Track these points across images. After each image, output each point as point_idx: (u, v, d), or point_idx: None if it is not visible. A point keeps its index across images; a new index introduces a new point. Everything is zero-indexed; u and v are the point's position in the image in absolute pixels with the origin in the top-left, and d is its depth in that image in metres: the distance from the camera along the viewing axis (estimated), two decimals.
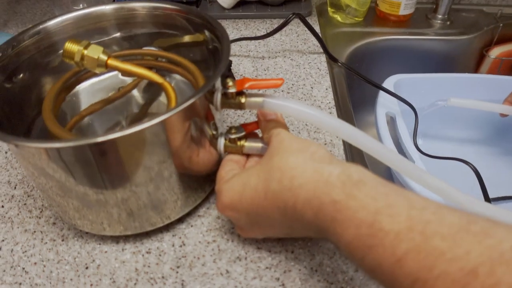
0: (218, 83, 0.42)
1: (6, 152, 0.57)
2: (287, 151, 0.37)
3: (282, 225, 0.38)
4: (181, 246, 0.44)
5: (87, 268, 0.43)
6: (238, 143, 0.43)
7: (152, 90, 0.54)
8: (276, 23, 0.85)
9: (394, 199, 0.30)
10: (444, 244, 0.26)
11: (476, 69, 0.95)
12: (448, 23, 0.90)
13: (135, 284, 0.41)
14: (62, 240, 0.46)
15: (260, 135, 0.45)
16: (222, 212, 0.40)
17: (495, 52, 0.90)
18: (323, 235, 0.34)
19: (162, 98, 0.53)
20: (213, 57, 0.49)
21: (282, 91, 0.66)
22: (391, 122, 0.68)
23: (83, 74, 0.51)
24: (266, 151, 0.39)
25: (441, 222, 0.27)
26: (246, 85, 0.41)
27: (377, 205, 0.30)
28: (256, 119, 0.45)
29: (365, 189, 0.31)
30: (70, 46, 0.43)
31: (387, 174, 0.74)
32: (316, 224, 0.33)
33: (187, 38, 0.52)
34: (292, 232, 0.40)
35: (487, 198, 0.62)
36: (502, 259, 0.24)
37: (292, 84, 0.67)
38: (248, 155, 0.44)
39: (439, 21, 0.90)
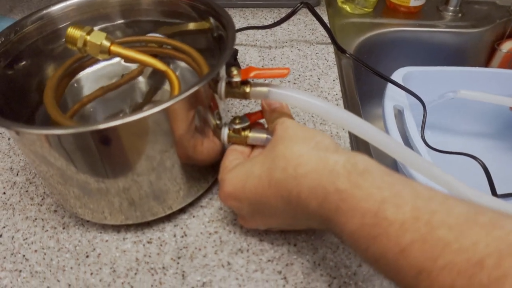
0: (222, 72, 0.41)
1: (9, 139, 0.57)
2: (292, 140, 0.36)
3: (286, 214, 0.37)
4: (182, 236, 0.44)
5: (87, 256, 0.43)
6: (242, 133, 0.42)
7: (157, 78, 0.53)
8: (284, 12, 0.84)
9: (400, 189, 0.29)
10: (450, 234, 0.25)
11: (487, 63, 0.94)
12: (460, 15, 0.88)
13: (135, 273, 0.41)
14: (63, 228, 0.45)
15: (265, 125, 0.44)
16: (224, 201, 0.40)
17: (507, 46, 0.88)
18: (326, 225, 0.33)
19: (167, 86, 0.53)
20: (218, 45, 0.48)
21: (289, 81, 0.65)
22: (399, 115, 0.67)
23: (85, 60, 0.51)
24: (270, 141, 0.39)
25: (447, 212, 0.27)
26: (251, 74, 0.40)
27: (383, 194, 0.29)
28: (260, 109, 0.44)
29: (370, 178, 0.31)
30: (72, 31, 0.42)
31: (393, 167, 0.73)
32: (320, 213, 0.32)
33: (192, 26, 0.51)
34: (295, 223, 0.39)
35: (494, 194, 0.61)
36: (510, 251, 0.23)
37: (299, 75, 0.66)
38: (253, 146, 0.44)
39: (450, 13, 0.88)
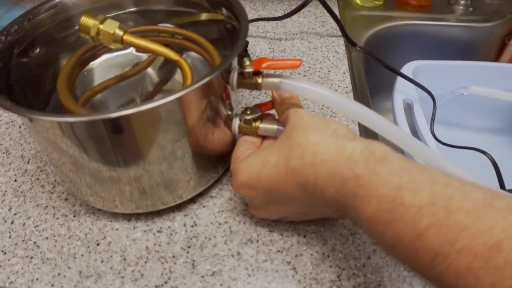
0: (235, 62, 0.41)
1: (20, 127, 0.57)
2: (308, 128, 0.36)
3: (301, 203, 0.37)
4: (192, 226, 0.44)
5: (98, 244, 0.43)
6: (253, 124, 0.42)
7: (167, 68, 0.54)
8: (294, 4, 0.83)
9: (417, 175, 0.30)
10: (467, 219, 0.26)
11: (497, 58, 0.93)
12: (471, 9, 0.88)
13: (145, 262, 0.41)
14: (74, 216, 0.46)
15: (276, 116, 0.44)
16: (237, 191, 0.40)
17: None
18: (342, 212, 0.34)
19: (177, 76, 0.53)
20: (230, 36, 0.48)
21: (299, 73, 0.65)
22: (408, 109, 0.67)
23: (98, 49, 0.51)
24: (283, 131, 0.39)
25: (465, 197, 0.27)
26: (264, 65, 0.40)
27: (400, 180, 0.29)
28: (271, 99, 0.44)
29: (388, 165, 0.31)
30: (86, 20, 0.42)
31: None
32: (337, 200, 0.33)
33: (204, 16, 0.51)
34: (310, 211, 0.39)
35: (503, 188, 0.61)
36: None
37: (309, 67, 0.66)
38: (263, 137, 0.44)
39: (461, 7, 0.88)
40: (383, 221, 0.29)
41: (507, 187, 0.61)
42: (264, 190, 0.38)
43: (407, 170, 0.30)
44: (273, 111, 0.45)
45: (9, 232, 0.45)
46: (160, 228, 0.44)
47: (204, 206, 0.46)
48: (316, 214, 0.41)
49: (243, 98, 0.60)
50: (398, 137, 0.40)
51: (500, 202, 0.26)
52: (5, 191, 0.49)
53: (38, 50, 0.46)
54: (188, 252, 0.42)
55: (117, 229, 0.44)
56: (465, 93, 0.69)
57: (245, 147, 0.42)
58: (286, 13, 0.74)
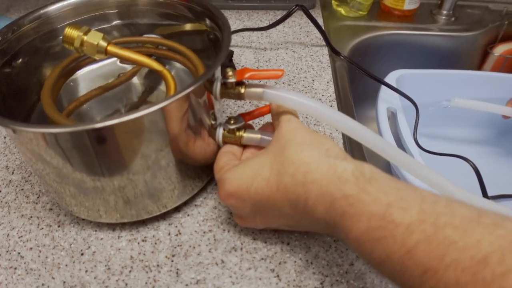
0: (218, 72, 0.42)
1: (4, 137, 0.57)
2: (301, 144, 0.37)
3: (290, 218, 0.38)
4: (177, 235, 0.44)
5: (82, 254, 0.43)
6: (237, 133, 0.43)
7: (152, 79, 0.54)
8: (279, 14, 0.84)
9: (406, 194, 0.30)
10: (455, 234, 0.26)
11: (479, 67, 0.95)
12: (453, 19, 0.89)
13: (130, 271, 0.41)
14: (58, 226, 0.46)
15: (258, 127, 0.45)
16: (224, 200, 0.40)
17: (500, 49, 0.90)
18: (330, 231, 0.34)
19: (163, 86, 0.53)
20: (214, 47, 0.48)
21: (283, 83, 0.66)
22: (392, 117, 0.68)
23: (82, 60, 0.51)
24: (269, 140, 0.39)
25: (452, 214, 0.28)
26: (246, 75, 0.40)
27: (389, 198, 0.30)
28: (254, 109, 0.45)
29: (377, 184, 0.32)
30: (70, 31, 0.42)
31: (386, 168, 0.74)
32: (326, 219, 0.33)
33: (188, 27, 0.52)
34: (298, 226, 0.39)
35: (485, 196, 0.61)
36: None
37: (294, 76, 0.67)
38: (244, 146, 0.44)
39: (443, 17, 0.90)
40: (372, 239, 0.30)
41: (489, 194, 0.62)
42: (253, 202, 0.38)
43: (396, 189, 0.31)
44: (253, 121, 0.45)
45: None
46: (145, 237, 0.44)
47: (188, 215, 0.46)
48: (303, 228, 0.41)
49: (228, 107, 0.61)
50: (380, 146, 0.40)
51: (486, 219, 0.27)
52: None
53: (22, 60, 0.46)
54: (172, 261, 0.42)
55: (101, 238, 0.44)
56: (448, 106, 0.70)
57: (228, 158, 0.42)
58: (271, 23, 0.75)
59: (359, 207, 0.31)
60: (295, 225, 0.39)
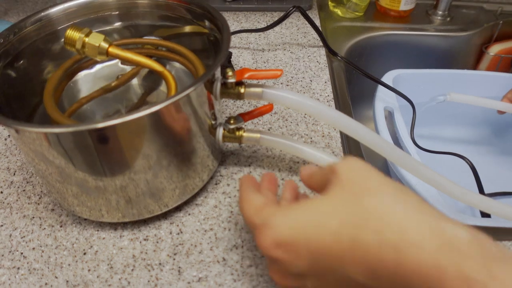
0: (218, 73, 0.42)
1: (5, 139, 0.58)
2: (384, 192, 0.29)
3: (357, 287, 0.29)
4: (178, 233, 0.45)
5: (85, 253, 0.44)
6: (237, 133, 0.43)
7: (152, 79, 0.54)
8: (276, 16, 0.85)
9: None
10: None
11: (475, 66, 0.96)
12: (448, 19, 0.90)
13: (132, 270, 0.42)
14: (61, 226, 0.46)
15: (258, 127, 0.45)
16: (269, 251, 0.31)
17: (495, 49, 0.90)
18: None
19: (162, 87, 0.54)
20: (214, 48, 0.49)
21: (281, 83, 0.66)
22: (389, 116, 0.69)
23: (84, 61, 0.51)
24: (329, 184, 0.32)
25: None
26: (246, 75, 0.41)
27: None
28: (253, 108, 0.45)
29: (508, 267, 0.24)
30: (71, 33, 0.43)
31: (384, 166, 0.75)
32: None
33: (188, 28, 0.52)
34: None
35: (482, 193, 0.62)
36: None
37: (292, 77, 0.68)
38: (271, 184, 0.40)
39: (439, 17, 0.90)
40: None
41: (486, 191, 0.63)
42: (311, 260, 0.30)
43: None
44: (253, 121, 0.46)
45: None
46: (147, 236, 0.45)
47: (189, 214, 0.47)
48: None
49: (227, 107, 0.61)
50: (377, 144, 0.41)
51: None
52: None
53: (24, 62, 0.47)
54: (174, 259, 0.43)
55: (103, 238, 0.45)
56: (445, 100, 0.70)
57: (263, 197, 0.35)
58: (268, 24, 0.76)
59: None
60: None
